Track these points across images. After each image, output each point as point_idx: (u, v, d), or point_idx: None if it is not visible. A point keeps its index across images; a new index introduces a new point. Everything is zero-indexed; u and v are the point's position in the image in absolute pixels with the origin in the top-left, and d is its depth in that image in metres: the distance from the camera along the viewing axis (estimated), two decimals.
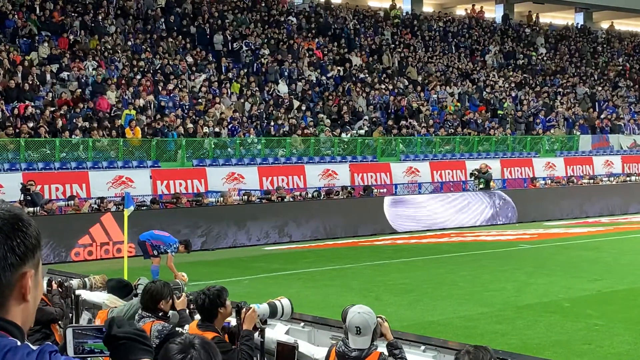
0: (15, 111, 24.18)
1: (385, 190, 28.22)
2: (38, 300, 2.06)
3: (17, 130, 23.28)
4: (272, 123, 29.06)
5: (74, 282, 8.45)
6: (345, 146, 29.87)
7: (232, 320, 6.23)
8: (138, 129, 25.32)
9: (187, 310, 6.86)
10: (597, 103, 41.22)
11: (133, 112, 26.00)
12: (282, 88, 31.77)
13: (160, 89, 28.38)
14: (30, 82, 25.40)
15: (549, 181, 31.93)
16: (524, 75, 41.91)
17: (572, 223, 28.34)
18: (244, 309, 5.87)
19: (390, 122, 32.38)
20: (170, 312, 6.75)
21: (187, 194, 23.84)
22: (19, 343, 1.93)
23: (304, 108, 31.08)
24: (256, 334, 5.98)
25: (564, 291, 15.53)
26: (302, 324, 7.58)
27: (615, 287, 16.07)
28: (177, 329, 6.30)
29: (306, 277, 17.69)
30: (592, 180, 32.77)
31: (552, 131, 36.50)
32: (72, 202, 21.02)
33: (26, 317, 2.02)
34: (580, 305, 14.14)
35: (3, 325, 1.95)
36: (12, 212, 2.01)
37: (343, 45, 36.83)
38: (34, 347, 1.93)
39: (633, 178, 33.98)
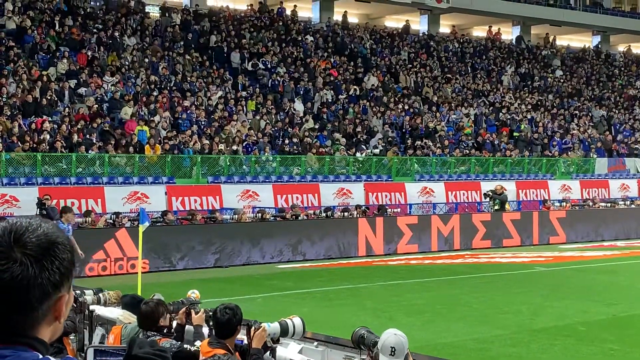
0: (33, 126, 24.33)
1: (399, 210, 28.15)
2: (67, 314, 2.06)
3: (35, 145, 23.42)
4: (287, 141, 29.11)
5: (88, 298, 8.45)
6: (360, 165, 29.86)
7: (245, 338, 6.20)
8: (158, 146, 25.42)
9: (207, 327, 6.80)
10: (613, 126, 41.08)
11: (145, 128, 26.09)
12: (298, 106, 31.85)
13: (176, 105, 28.51)
14: (49, 98, 25.57)
15: (564, 203, 31.76)
16: (540, 97, 41.85)
17: (588, 246, 28.15)
18: (254, 327, 5.84)
19: (406, 142, 32.39)
20: (188, 326, 6.73)
21: (202, 211, 23.86)
22: (40, 356, 1.93)
23: (319, 127, 31.14)
24: (267, 353, 5.95)
25: (579, 315, 15.40)
26: (316, 343, 7.54)
27: (631, 311, 15.92)
28: (185, 346, 6.26)
29: (320, 295, 17.64)
30: (608, 204, 32.57)
31: (568, 154, 36.37)
32: (89, 218, 21.05)
33: (54, 333, 2.03)
34: (596, 330, 14.01)
35: (29, 342, 1.95)
36: (49, 237, 1.97)
37: (359, 65, 36.92)
38: None
39: None
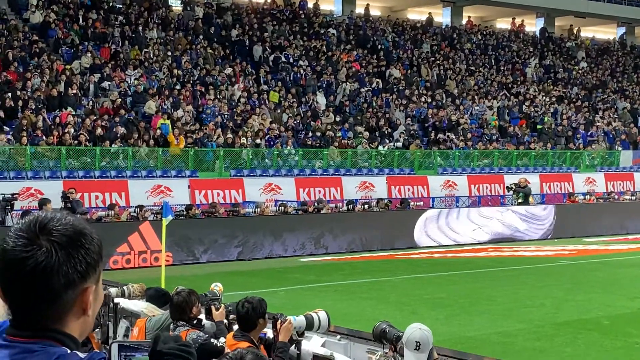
0: (57, 120, 24.51)
1: (422, 203, 28.08)
2: (97, 310, 2.07)
3: (59, 139, 23.59)
4: (310, 134, 29.12)
5: (113, 290, 8.50)
6: (383, 158, 29.80)
7: (269, 332, 6.22)
8: (182, 139, 25.51)
9: (227, 322, 6.83)
10: (638, 118, 40.71)
11: (167, 121, 26.17)
12: (320, 100, 31.84)
13: (199, 99, 28.60)
14: (73, 92, 25.73)
15: (589, 196, 31.52)
16: (564, 89, 41.54)
17: (612, 239, 27.95)
18: (280, 321, 5.86)
19: (429, 135, 32.28)
20: (208, 322, 6.75)
21: (225, 204, 23.93)
22: (68, 351, 1.95)
23: (341, 120, 31.11)
24: (293, 346, 5.96)
25: (603, 308, 15.31)
26: (339, 336, 7.55)
27: None
28: (212, 340, 6.29)
29: (342, 289, 17.65)
30: (632, 197, 32.31)
31: (592, 146, 36.11)
32: (112, 211, 21.18)
33: (84, 329, 2.04)
34: (619, 323, 13.92)
35: (57, 337, 1.97)
36: (75, 227, 1.99)
37: (382, 58, 36.83)
38: (83, 355, 1.95)
39: None
